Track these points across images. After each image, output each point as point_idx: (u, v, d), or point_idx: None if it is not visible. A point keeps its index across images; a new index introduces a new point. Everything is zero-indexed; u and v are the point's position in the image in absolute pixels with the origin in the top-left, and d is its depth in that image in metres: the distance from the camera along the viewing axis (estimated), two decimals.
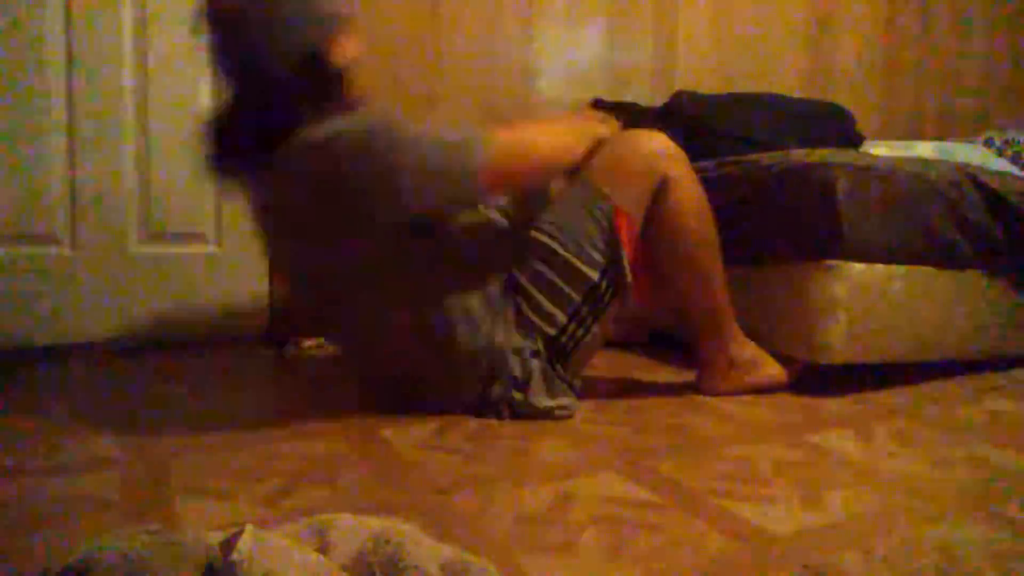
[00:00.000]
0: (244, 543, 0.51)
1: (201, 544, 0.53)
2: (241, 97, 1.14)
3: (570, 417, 1.20)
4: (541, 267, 1.21)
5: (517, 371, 1.19)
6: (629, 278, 1.23)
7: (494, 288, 1.21)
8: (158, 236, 1.78)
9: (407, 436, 1.08)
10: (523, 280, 1.22)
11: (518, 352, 1.19)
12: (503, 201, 1.41)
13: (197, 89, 1.79)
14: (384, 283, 1.15)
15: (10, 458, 0.97)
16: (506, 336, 1.19)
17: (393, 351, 1.20)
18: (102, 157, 1.71)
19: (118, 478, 0.90)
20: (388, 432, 1.10)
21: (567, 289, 1.21)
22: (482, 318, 1.18)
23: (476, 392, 1.20)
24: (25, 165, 1.64)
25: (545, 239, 1.22)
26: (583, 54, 2.34)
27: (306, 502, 0.84)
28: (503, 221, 1.33)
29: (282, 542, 0.54)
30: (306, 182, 1.09)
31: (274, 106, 1.11)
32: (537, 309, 1.21)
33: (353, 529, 0.59)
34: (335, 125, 1.07)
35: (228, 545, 0.52)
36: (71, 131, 1.68)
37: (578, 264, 1.21)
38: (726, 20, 2.57)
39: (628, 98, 2.39)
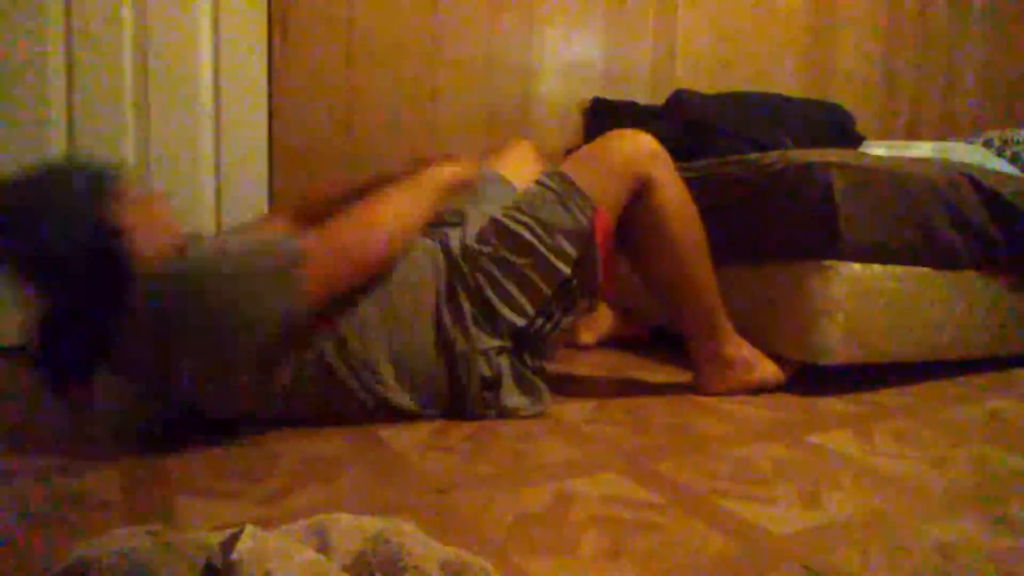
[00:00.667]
0: (244, 543, 0.51)
1: (201, 544, 0.53)
2: (48, 307, 1.03)
3: (540, 414, 1.20)
4: (512, 257, 1.19)
5: (487, 371, 1.18)
6: (600, 277, 1.23)
7: (429, 298, 1.18)
8: None
9: (407, 436, 1.08)
10: (490, 268, 1.19)
11: (484, 353, 1.17)
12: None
13: (198, 90, 1.79)
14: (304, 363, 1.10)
15: (10, 458, 0.97)
16: (467, 340, 1.17)
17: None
18: (102, 158, 1.70)
19: (118, 478, 0.90)
20: (388, 432, 1.10)
21: (538, 282, 1.20)
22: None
23: (447, 397, 1.19)
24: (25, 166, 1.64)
25: (519, 229, 1.20)
26: (583, 54, 2.34)
27: (306, 502, 0.84)
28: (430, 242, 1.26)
29: (282, 542, 0.54)
30: (152, 347, 0.99)
31: (84, 300, 1.01)
32: (506, 299, 1.19)
33: (353, 529, 0.59)
34: (147, 289, 0.98)
35: (228, 545, 0.52)
36: (71, 135, 1.68)
37: (551, 258, 1.19)
38: (726, 20, 2.57)
39: (627, 98, 2.39)
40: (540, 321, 1.21)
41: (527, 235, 1.20)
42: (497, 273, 1.19)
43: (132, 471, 0.93)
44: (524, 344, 1.22)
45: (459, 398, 1.18)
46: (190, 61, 1.77)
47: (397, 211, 1.15)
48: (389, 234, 1.13)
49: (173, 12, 1.75)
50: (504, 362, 1.19)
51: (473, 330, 1.18)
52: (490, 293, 1.19)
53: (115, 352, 1.02)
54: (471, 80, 2.17)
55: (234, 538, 0.52)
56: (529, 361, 1.23)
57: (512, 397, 1.20)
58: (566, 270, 1.20)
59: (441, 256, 1.22)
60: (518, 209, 1.23)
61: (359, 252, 1.10)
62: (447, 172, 1.25)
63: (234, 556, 0.50)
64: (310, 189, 1.52)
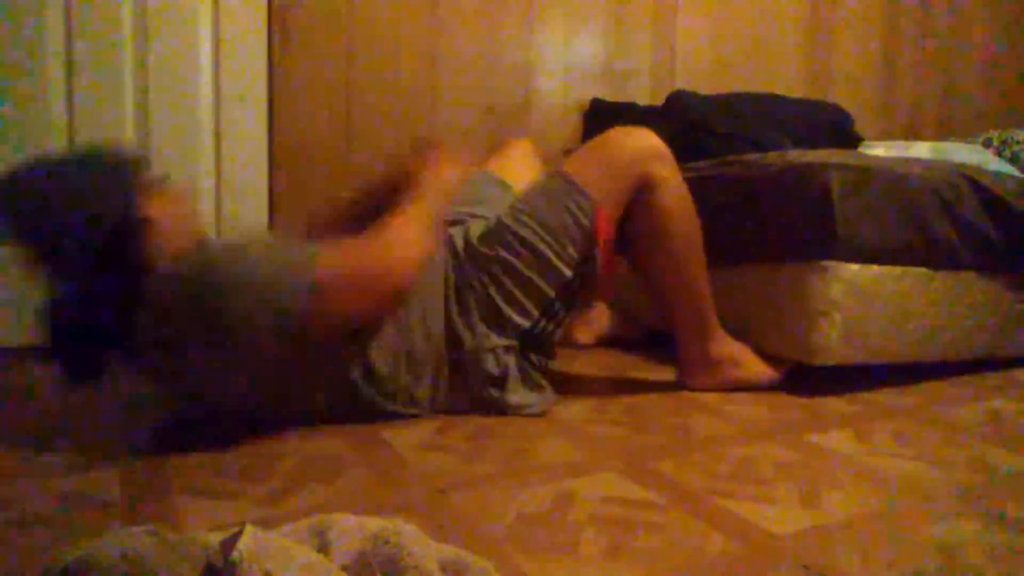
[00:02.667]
0: (244, 543, 0.51)
1: (201, 544, 0.53)
2: (65, 302, 1.02)
3: (545, 412, 1.20)
4: (515, 259, 1.20)
5: (493, 369, 1.18)
6: (600, 277, 1.24)
7: (437, 298, 1.19)
8: None
9: (407, 436, 1.08)
10: (494, 269, 1.20)
11: (491, 351, 1.18)
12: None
13: (197, 90, 1.78)
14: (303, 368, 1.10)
15: (10, 458, 0.97)
16: (475, 337, 1.18)
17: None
18: None
19: (118, 478, 0.90)
20: (388, 432, 1.10)
21: (541, 283, 1.21)
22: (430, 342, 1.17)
23: (455, 395, 1.20)
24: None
25: (522, 231, 1.21)
26: (583, 54, 2.34)
27: (306, 502, 0.84)
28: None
29: (282, 542, 0.54)
30: (167, 340, 0.99)
31: (102, 296, 1.01)
32: (510, 300, 1.20)
33: (353, 529, 0.59)
34: (160, 289, 0.99)
35: (228, 545, 0.52)
36: (71, 135, 1.68)
37: (554, 260, 1.20)
38: (726, 20, 2.57)
39: (627, 98, 2.39)
40: (544, 322, 1.22)
41: (530, 237, 1.20)
42: (501, 275, 1.20)
43: (132, 471, 0.93)
44: (530, 343, 1.22)
45: (466, 396, 1.19)
46: (190, 61, 1.77)
47: (412, 237, 1.13)
48: (408, 269, 1.11)
49: (173, 12, 1.75)
50: (511, 360, 1.20)
51: (481, 328, 1.19)
52: (494, 293, 1.20)
53: (129, 344, 1.01)
54: (471, 80, 2.17)
55: (234, 538, 0.52)
56: (535, 360, 1.24)
57: (518, 395, 1.20)
58: (568, 272, 1.21)
59: (448, 255, 1.22)
60: (520, 211, 1.23)
61: (382, 288, 1.09)
62: (447, 176, 1.25)
63: (234, 556, 0.50)
64: (313, 212, 1.51)
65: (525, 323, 1.20)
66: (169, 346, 0.99)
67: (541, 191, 1.26)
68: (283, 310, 0.99)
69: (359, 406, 1.14)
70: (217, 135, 1.82)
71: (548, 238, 1.20)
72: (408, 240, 1.12)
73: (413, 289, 1.15)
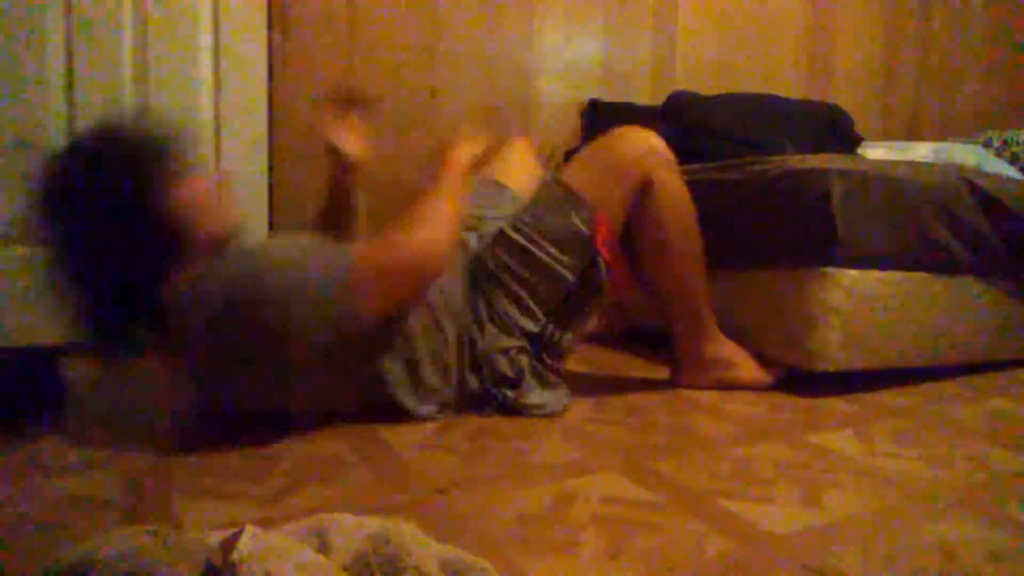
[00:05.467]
0: (244, 543, 0.51)
1: (201, 544, 0.53)
2: (98, 282, 1.02)
3: (561, 413, 1.20)
4: (518, 267, 1.21)
5: (507, 369, 1.19)
6: (605, 280, 1.24)
7: (456, 301, 1.19)
8: None
9: (407, 436, 1.08)
10: (500, 276, 1.22)
11: (504, 352, 1.19)
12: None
13: (197, 89, 1.78)
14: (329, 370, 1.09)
15: (10, 458, 0.97)
16: (486, 338, 1.19)
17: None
18: None
19: (118, 478, 0.90)
20: (388, 432, 1.10)
21: (545, 291, 1.22)
22: (444, 339, 1.17)
23: (471, 391, 1.20)
24: (25, 167, 1.64)
25: (522, 240, 1.22)
26: (583, 54, 2.34)
27: (306, 502, 0.84)
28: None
29: (282, 542, 0.54)
30: (198, 341, 0.99)
31: (135, 279, 1.01)
32: (518, 305, 1.21)
33: (353, 529, 0.59)
34: (195, 287, 0.99)
35: (228, 545, 0.52)
36: (71, 134, 1.68)
37: (556, 267, 1.21)
38: (726, 21, 2.57)
39: (627, 99, 2.39)
40: (552, 328, 1.23)
41: (531, 247, 1.22)
42: (507, 281, 1.22)
43: (132, 471, 0.93)
44: (541, 348, 1.23)
45: (480, 395, 1.20)
46: (190, 60, 1.77)
47: (444, 217, 1.13)
48: (440, 254, 1.11)
49: (173, 12, 1.75)
50: (524, 361, 1.21)
51: (491, 329, 1.20)
52: (502, 297, 1.21)
53: (164, 332, 1.02)
54: (471, 80, 2.17)
55: (234, 538, 0.52)
56: (549, 361, 1.25)
57: (533, 395, 1.20)
58: (570, 277, 1.21)
59: (462, 256, 1.24)
60: (521, 220, 1.25)
61: (419, 264, 1.09)
62: (466, 155, 1.25)
63: (234, 556, 0.50)
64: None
65: (533, 328, 1.22)
66: (209, 350, 0.99)
67: (541, 200, 1.27)
68: (327, 312, 0.99)
69: (391, 407, 1.14)
70: (217, 135, 1.82)
71: (548, 246, 1.21)
72: (437, 224, 1.12)
73: (439, 287, 1.16)
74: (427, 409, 1.16)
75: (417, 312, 1.14)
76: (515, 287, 1.21)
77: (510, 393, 1.19)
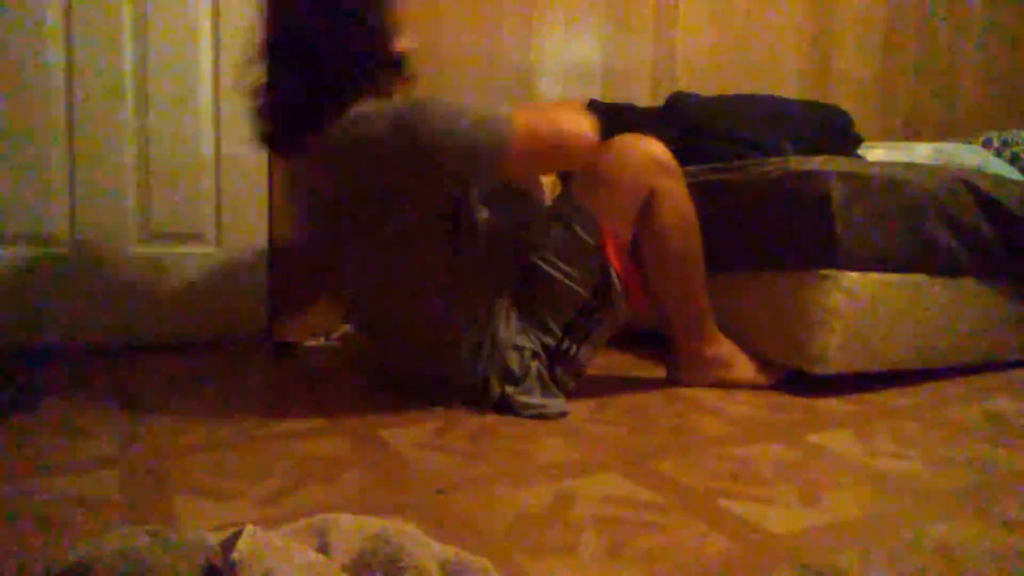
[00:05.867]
0: (244, 543, 0.51)
1: (201, 544, 0.53)
2: (299, 79, 1.16)
3: (552, 418, 1.20)
4: (531, 285, 1.24)
5: (515, 366, 1.21)
6: (620, 291, 1.26)
7: (495, 288, 1.24)
8: (157, 236, 1.78)
9: (407, 436, 1.08)
10: (519, 291, 1.25)
11: (518, 349, 1.22)
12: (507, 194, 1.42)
13: (197, 89, 1.78)
14: (411, 267, 1.20)
15: (10, 458, 0.97)
16: (507, 332, 1.22)
17: (408, 327, 1.25)
18: (102, 157, 1.70)
19: (118, 478, 0.90)
20: (388, 432, 1.10)
21: (560, 306, 1.24)
22: (483, 314, 1.22)
23: (473, 380, 1.22)
24: (25, 166, 1.64)
25: (535, 259, 1.25)
26: (583, 54, 2.34)
27: (306, 502, 0.84)
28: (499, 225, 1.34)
29: (282, 542, 0.54)
30: (350, 156, 1.13)
31: (335, 87, 1.15)
32: (533, 319, 1.24)
33: (353, 529, 0.59)
34: (378, 106, 1.14)
35: (228, 545, 0.52)
36: (71, 132, 1.68)
37: (569, 284, 1.24)
38: (726, 20, 2.57)
39: (627, 99, 2.39)
40: (568, 341, 1.25)
41: (543, 266, 1.24)
42: (525, 296, 1.25)
43: (132, 471, 0.93)
44: (555, 359, 1.25)
45: (482, 387, 1.22)
46: (190, 60, 1.77)
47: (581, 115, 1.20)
48: (589, 133, 1.17)
49: (173, 12, 1.75)
50: (534, 365, 1.22)
51: (515, 324, 1.23)
52: (532, 301, 1.25)
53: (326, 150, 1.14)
54: (471, 80, 2.17)
55: (234, 538, 0.52)
56: (560, 375, 1.26)
57: (529, 396, 1.21)
58: (584, 293, 1.23)
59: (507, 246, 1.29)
60: (533, 242, 1.27)
61: (568, 139, 1.16)
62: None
63: (234, 556, 0.50)
64: None
65: (550, 341, 1.24)
66: (358, 178, 1.13)
67: (550, 217, 1.29)
68: (477, 151, 1.11)
69: (444, 326, 1.22)
70: (217, 135, 1.82)
71: (561, 264, 1.24)
72: (579, 119, 1.18)
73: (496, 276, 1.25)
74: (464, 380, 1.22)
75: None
76: (533, 305, 1.25)
77: (509, 389, 1.20)
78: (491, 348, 1.21)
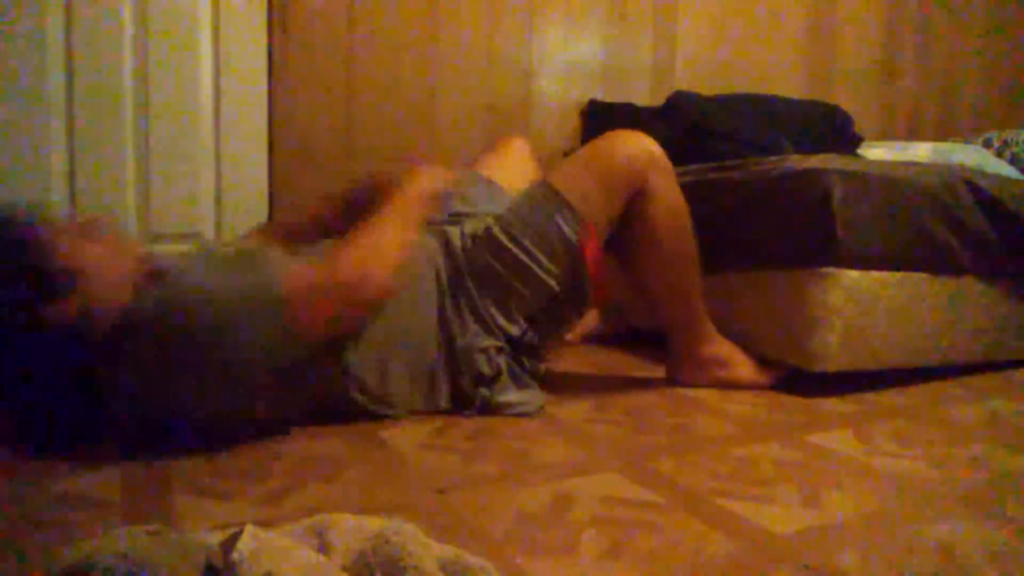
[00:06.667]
0: (244, 543, 0.51)
1: (201, 544, 0.53)
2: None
3: (534, 413, 1.20)
4: (501, 269, 1.20)
5: (485, 368, 1.18)
6: (588, 290, 1.24)
7: (432, 300, 1.19)
8: (158, 236, 1.78)
9: (407, 436, 1.08)
10: (483, 276, 1.20)
11: (483, 351, 1.18)
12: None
13: (197, 88, 1.79)
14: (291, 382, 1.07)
15: (10, 458, 0.97)
16: (465, 338, 1.18)
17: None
18: (102, 157, 1.70)
19: (118, 478, 0.90)
20: (387, 432, 1.10)
21: (527, 295, 1.21)
22: (415, 355, 1.16)
23: (445, 392, 1.20)
24: (25, 166, 1.64)
25: (508, 243, 1.20)
26: (583, 54, 2.34)
27: (306, 502, 0.84)
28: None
29: (282, 542, 0.54)
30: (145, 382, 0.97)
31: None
32: (498, 307, 1.20)
33: (353, 529, 0.59)
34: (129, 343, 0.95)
35: (228, 545, 0.52)
36: (71, 132, 1.68)
37: (539, 273, 1.20)
38: (726, 21, 2.57)
39: (627, 98, 2.39)
40: (531, 332, 1.23)
41: (515, 251, 1.20)
42: (489, 282, 1.21)
43: (132, 471, 0.93)
44: (520, 350, 1.23)
45: (457, 393, 1.19)
46: (190, 60, 1.77)
47: (389, 243, 1.11)
48: (382, 279, 1.08)
49: (173, 12, 1.75)
50: (502, 361, 1.20)
51: (473, 327, 1.18)
52: (484, 298, 1.20)
53: (108, 398, 0.97)
54: (471, 80, 2.17)
55: (234, 538, 0.52)
56: (527, 363, 1.24)
57: (507, 394, 1.20)
58: (554, 284, 1.21)
59: (441, 252, 1.22)
60: (508, 223, 1.22)
61: (357, 296, 1.07)
62: (427, 185, 1.23)
63: (234, 556, 0.50)
64: (303, 210, 1.51)
65: (513, 330, 1.21)
66: (154, 387, 0.95)
67: (529, 203, 1.25)
68: (267, 341, 0.98)
69: (352, 411, 1.13)
70: (217, 135, 1.82)
71: (535, 252, 1.20)
72: (382, 249, 1.10)
73: (401, 294, 1.13)
74: (394, 410, 1.15)
75: (384, 326, 1.12)
76: (498, 288, 1.20)
77: (485, 392, 1.18)
78: (455, 361, 1.18)
